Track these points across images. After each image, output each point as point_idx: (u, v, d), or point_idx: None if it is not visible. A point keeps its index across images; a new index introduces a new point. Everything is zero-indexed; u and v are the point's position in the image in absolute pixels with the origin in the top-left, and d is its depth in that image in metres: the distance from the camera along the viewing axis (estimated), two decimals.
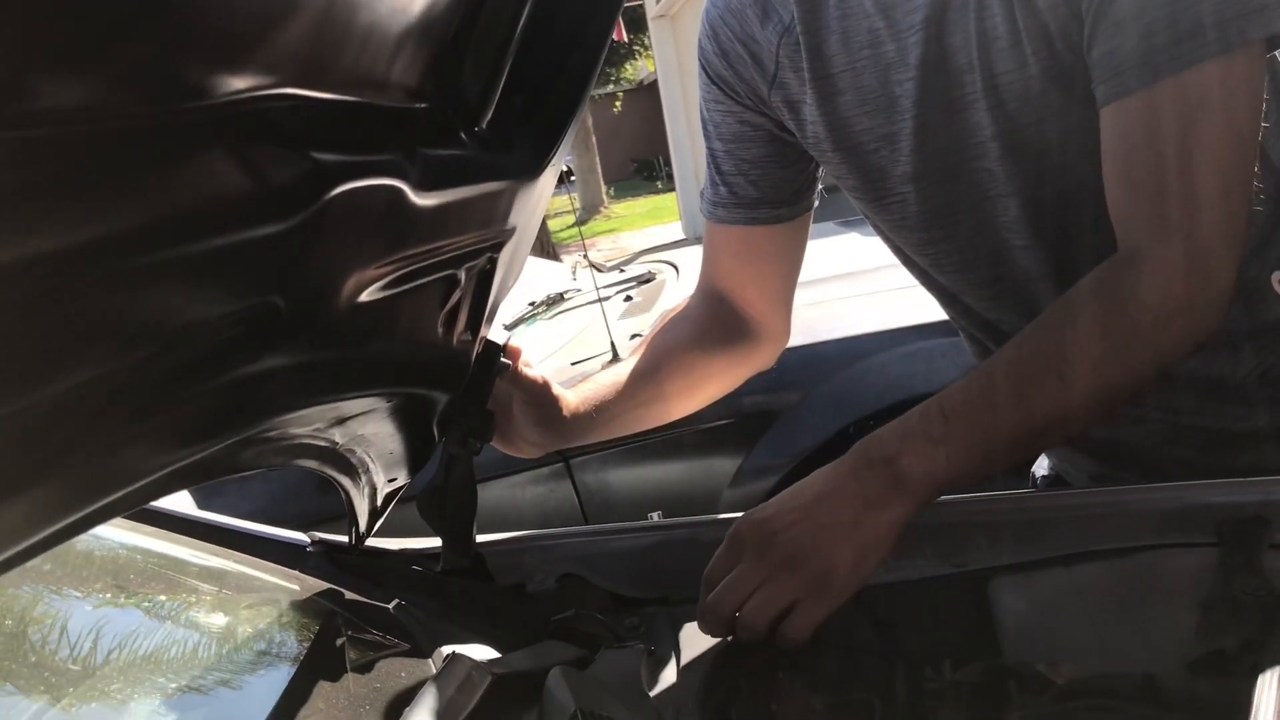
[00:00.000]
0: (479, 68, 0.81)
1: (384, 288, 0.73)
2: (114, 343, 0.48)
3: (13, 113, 0.36)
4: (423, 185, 0.71)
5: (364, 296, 0.70)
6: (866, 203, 1.25)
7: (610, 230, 17.43)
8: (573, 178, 18.47)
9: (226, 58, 0.48)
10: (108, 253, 0.43)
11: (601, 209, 20.45)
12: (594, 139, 20.36)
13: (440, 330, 0.89)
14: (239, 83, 0.49)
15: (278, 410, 0.70)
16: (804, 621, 0.95)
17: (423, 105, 0.73)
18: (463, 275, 0.86)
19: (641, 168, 26.34)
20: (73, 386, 0.46)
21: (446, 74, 0.76)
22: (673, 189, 14.16)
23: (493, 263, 0.91)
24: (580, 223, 18.40)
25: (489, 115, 0.83)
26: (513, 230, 0.92)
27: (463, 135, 0.79)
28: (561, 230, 14.75)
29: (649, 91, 20.53)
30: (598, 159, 20.71)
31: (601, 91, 23.50)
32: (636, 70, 23.65)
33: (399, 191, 0.68)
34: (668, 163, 15.86)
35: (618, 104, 24.30)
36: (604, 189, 21.20)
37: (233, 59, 0.48)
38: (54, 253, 0.40)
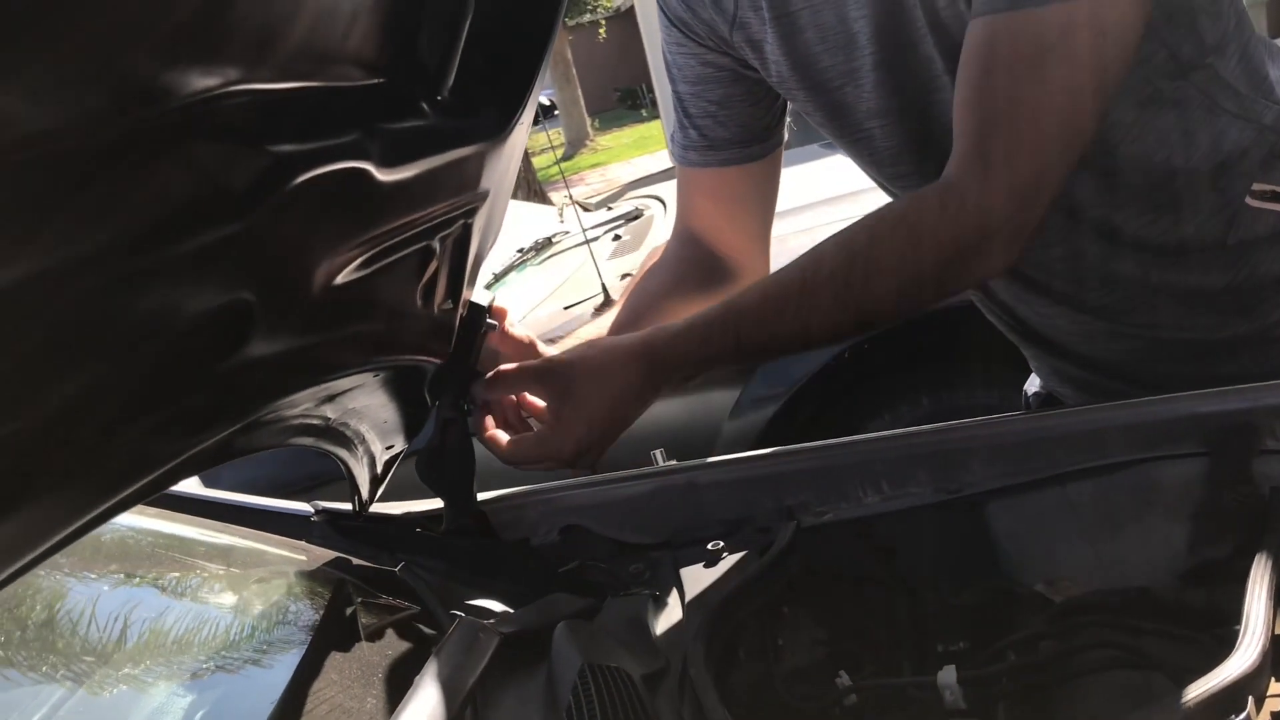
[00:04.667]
0: (436, 32, 0.80)
1: (358, 268, 0.73)
2: (91, 353, 0.48)
3: None
4: (387, 161, 0.70)
5: (338, 279, 0.70)
6: (836, 138, 1.24)
7: (597, 163, 17.28)
8: (555, 112, 18.26)
9: (177, 62, 0.48)
10: (74, 271, 0.44)
11: (587, 142, 20.23)
12: (574, 71, 20.08)
13: (420, 301, 0.89)
14: (192, 86, 0.49)
15: (267, 398, 0.70)
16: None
17: (380, 80, 0.72)
18: (438, 245, 0.86)
19: (625, 97, 26.00)
20: (64, 396, 0.47)
21: (402, 43, 0.75)
22: (657, 116, 14.00)
23: (467, 229, 0.91)
24: (566, 157, 18.24)
25: (450, 81, 0.82)
26: (486, 193, 0.91)
27: (424, 105, 0.78)
28: (548, 167, 14.61)
29: (627, 18, 20.20)
30: (580, 91, 20.44)
31: (580, 20, 23.11)
32: None
33: (363, 172, 0.67)
34: (651, 90, 15.67)
35: (602, 32, 23.90)
36: (588, 121, 20.96)
37: (184, 63, 0.48)
38: (24, 276, 0.41)
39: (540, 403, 1.14)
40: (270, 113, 0.56)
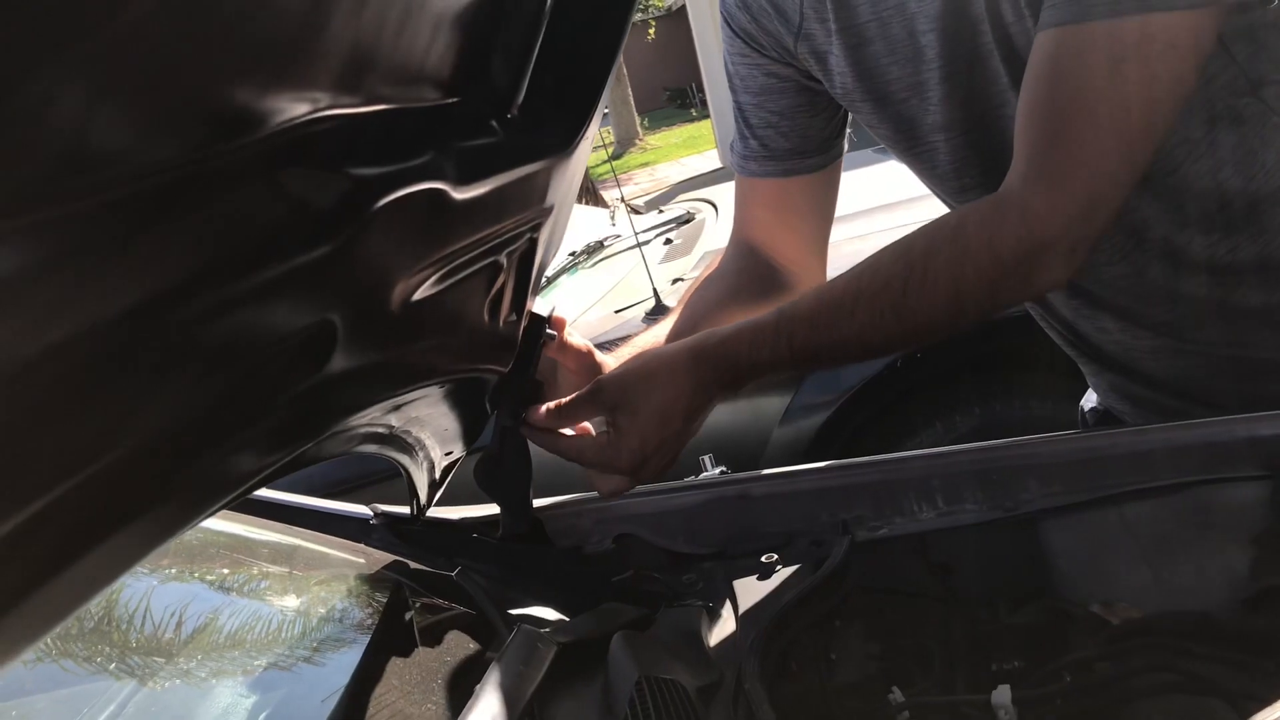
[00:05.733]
0: (509, 52, 0.81)
1: (431, 286, 0.74)
2: (185, 380, 0.50)
3: (87, 183, 0.38)
4: (461, 180, 0.72)
5: (415, 296, 0.72)
6: (899, 152, 1.24)
7: (646, 163, 17.29)
8: (606, 110, 18.27)
9: (269, 90, 0.49)
10: (170, 301, 0.45)
11: (637, 141, 20.25)
12: (625, 70, 20.09)
13: (487, 315, 0.91)
14: (283, 113, 0.50)
15: (343, 414, 0.72)
16: (608, 488, 1.14)
17: (454, 100, 0.74)
18: (505, 260, 0.87)
19: (674, 96, 26.02)
20: (158, 424, 0.48)
21: (476, 63, 0.77)
22: (707, 116, 14.00)
23: (533, 243, 0.92)
24: (615, 156, 18.26)
25: (520, 99, 0.84)
26: (551, 208, 0.93)
27: (495, 124, 0.80)
28: (597, 166, 14.66)
29: (678, 18, 20.21)
30: (630, 90, 20.47)
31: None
32: None
33: (440, 192, 0.69)
34: (700, 90, 15.68)
35: (651, 32, 23.91)
36: (638, 120, 20.98)
37: (275, 90, 0.49)
38: (125, 309, 0.43)
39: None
40: (354, 137, 0.58)
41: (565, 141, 0.91)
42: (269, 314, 0.55)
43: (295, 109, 0.51)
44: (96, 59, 0.37)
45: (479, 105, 0.78)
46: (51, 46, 0.35)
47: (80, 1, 0.35)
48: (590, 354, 1.23)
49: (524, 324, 1.08)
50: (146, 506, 0.51)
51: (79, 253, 0.41)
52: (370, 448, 0.93)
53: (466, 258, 0.78)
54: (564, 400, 1.11)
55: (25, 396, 0.41)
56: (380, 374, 0.74)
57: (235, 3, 0.43)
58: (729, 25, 1.29)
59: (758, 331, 1.06)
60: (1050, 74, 0.96)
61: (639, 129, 20.86)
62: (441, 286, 0.76)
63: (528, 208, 0.87)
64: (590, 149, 1.02)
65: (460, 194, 0.72)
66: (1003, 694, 0.87)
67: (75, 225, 0.40)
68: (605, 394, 1.09)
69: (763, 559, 1.08)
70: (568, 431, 1.14)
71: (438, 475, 1.14)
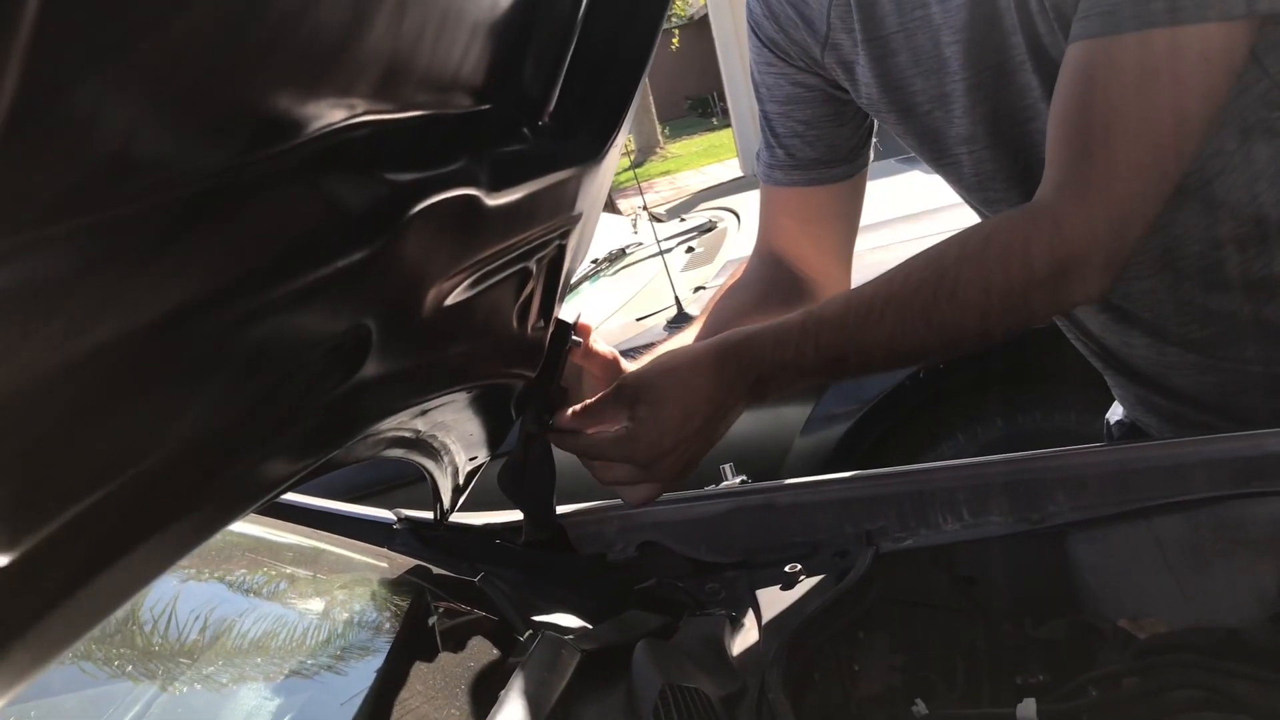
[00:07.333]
0: (541, 59, 0.81)
1: (462, 292, 0.74)
2: (223, 386, 0.50)
3: (131, 189, 0.38)
4: (494, 186, 0.72)
5: (446, 303, 0.72)
6: (927, 162, 1.24)
7: (667, 171, 17.30)
8: None
9: (310, 96, 0.49)
10: (210, 307, 0.45)
11: (658, 150, 20.26)
12: (646, 78, 20.09)
13: (515, 321, 0.91)
14: (322, 119, 0.50)
15: (374, 418, 0.73)
16: (636, 498, 1.14)
17: (487, 106, 0.74)
18: (534, 266, 0.88)
19: (696, 105, 26.07)
20: (193, 430, 0.49)
21: (509, 71, 0.77)
22: (728, 125, 14.00)
23: (562, 249, 0.93)
24: (636, 165, 18.28)
25: (551, 106, 0.84)
26: (579, 215, 0.93)
27: (526, 131, 0.80)
28: (619, 173, 14.65)
29: (700, 26, 20.26)
30: (651, 99, 20.49)
31: None
32: (687, 4, 23.31)
33: (473, 198, 0.69)
34: (722, 98, 15.69)
35: (675, 41, 23.93)
36: (659, 129, 20.99)
37: (315, 97, 0.50)
38: (165, 315, 0.43)
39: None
40: (390, 142, 0.58)
41: (595, 149, 0.92)
42: (306, 319, 0.55)
43: (334, 114, 0.51)
44: (144, 67, 0.38)
45: (511, 112, 0.78)
46: (100, 55, 0.35)
47: (128, 12, 0.36)
48: (615, 361, 1.23)
49: (550, 330, 1.08)
50: (183, 510, 0.52)
51: (122, 257, 0.41)
52: (397, 452, 0.93)
53: (497, 264, 0.79)
54: (589, 401, 1.11)
55: (68, 400, 0.41)
56: (411, 379, 0.75)
57: (279, 12, 0.43)
58: (756, 34, 1.28)
59: (784, 331, 1.05)
60: (1082, 87, 0.95)
61: (660, 137, 20.87)
62: (473, 292, 0.76)
63: (557, 214, 0.88)
64: (619, 157, 1.02)
65: (492, 200, 0.72)
66: (1028, 708, 0.87)
67: (118, 230, 0.40)
68: (627, 389, 1.08)
69: (786, 569, 1.08)
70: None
71: (461, 480, 1.15)
